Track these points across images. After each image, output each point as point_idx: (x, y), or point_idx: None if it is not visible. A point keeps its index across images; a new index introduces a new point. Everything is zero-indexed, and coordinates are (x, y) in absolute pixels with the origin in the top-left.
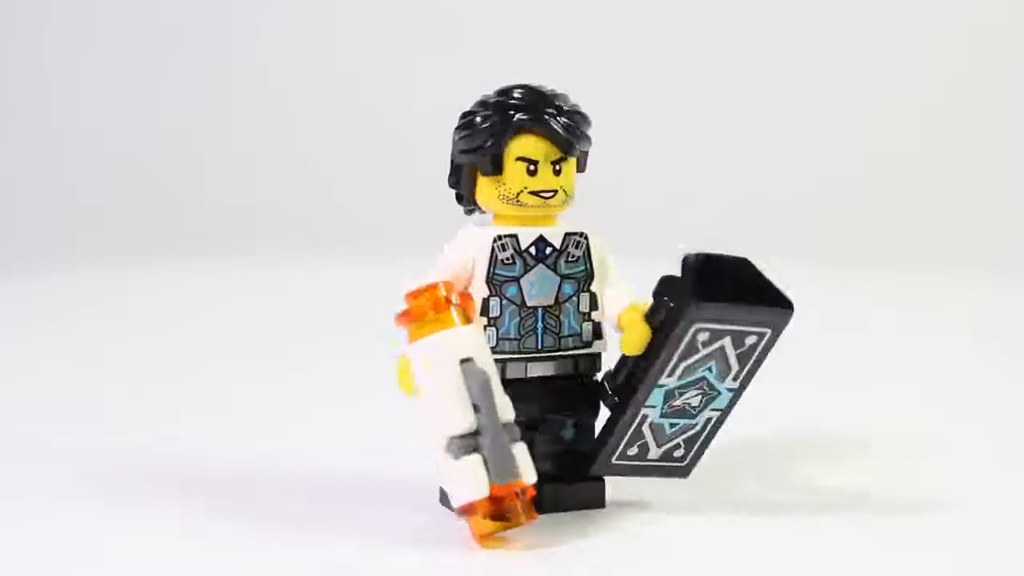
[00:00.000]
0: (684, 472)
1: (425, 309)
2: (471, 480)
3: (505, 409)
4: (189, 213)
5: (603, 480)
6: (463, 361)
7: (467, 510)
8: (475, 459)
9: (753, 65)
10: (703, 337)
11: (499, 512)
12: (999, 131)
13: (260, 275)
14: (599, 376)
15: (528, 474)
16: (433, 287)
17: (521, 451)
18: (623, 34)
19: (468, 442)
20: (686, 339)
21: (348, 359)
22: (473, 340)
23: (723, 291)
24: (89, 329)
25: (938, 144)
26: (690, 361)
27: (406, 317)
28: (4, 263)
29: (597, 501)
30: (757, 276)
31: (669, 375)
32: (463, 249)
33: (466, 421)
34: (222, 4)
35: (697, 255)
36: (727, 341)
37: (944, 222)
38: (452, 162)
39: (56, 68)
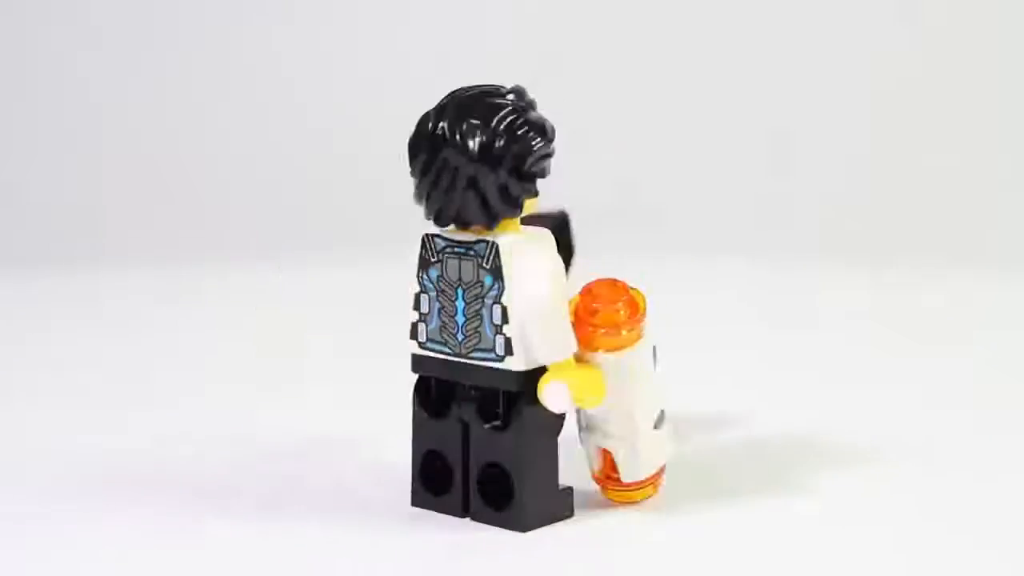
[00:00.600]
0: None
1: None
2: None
3: None
4: (188, 214)
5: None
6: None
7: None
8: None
9: (751, 65)
10: None
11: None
12: (1002, 127)
13: (259, 277)
14: None
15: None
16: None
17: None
18: (621, 35)
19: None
20: None
21: (348, 359)
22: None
23: None
24: (86, 330)
25: (939, 141)
26: None
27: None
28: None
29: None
30: None
31: None
32: None
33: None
34: (218, 5)
35: None
36: None
37: (942, 221)
38: None
39: (51, 67)
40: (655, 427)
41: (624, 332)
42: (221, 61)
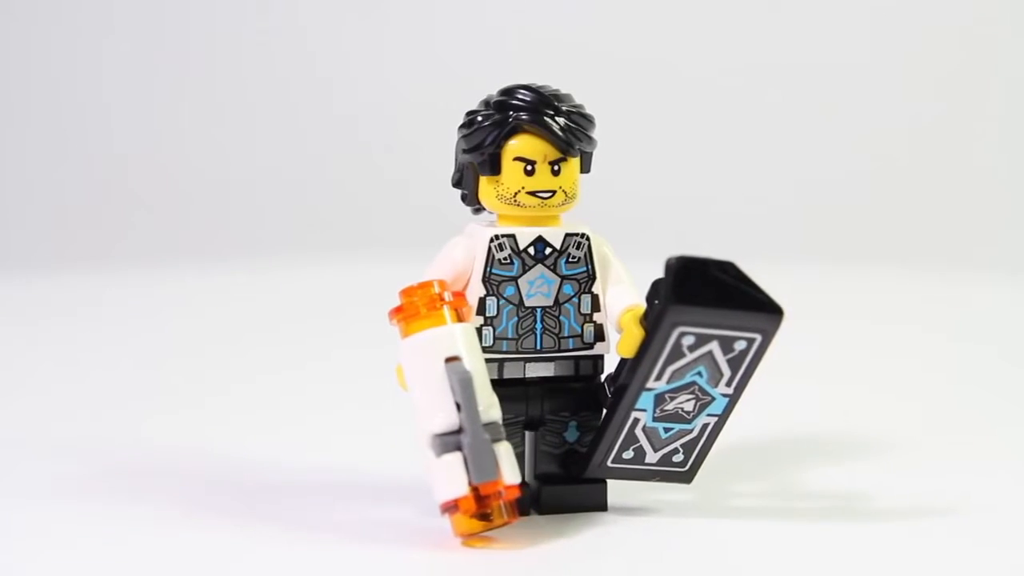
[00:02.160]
0: (686, 478)
1: (417, 306)
2: (451, 478)
3: (490, 408)
4: (190, 215)
5: (605, 483)
6: (448, 359)
7: (449, 508)
8: (455, 457)
9: (750, 65)
10: (688, 341)
11: (481, 511)
12: (993, 128)
13: (260, 276)
14: (603, 377)
15: (510, 474)
16: (427, 285)
17: (505, 451)
18: (623, 36)
19: (450, 440)
20: (669, 343)
21: (349, 359)
22: (462, 339)
23: (706, 295)
24: (90, 330)
25: (932, 143)
26: (677, 365)
27: (398, 313)
28: (4, 263)
29: (598, 504)
30: (744, 280)
31: (656, 379)
32: (462, 248)
33: (448, 419)
34: (219, 5)
35: (679, 258)
36: (715, 346)
37: (938, 221)
38: (456, 161)
39: (52, 68)
40: (431, 448)
41: (392, 319)
42: (217, 64)
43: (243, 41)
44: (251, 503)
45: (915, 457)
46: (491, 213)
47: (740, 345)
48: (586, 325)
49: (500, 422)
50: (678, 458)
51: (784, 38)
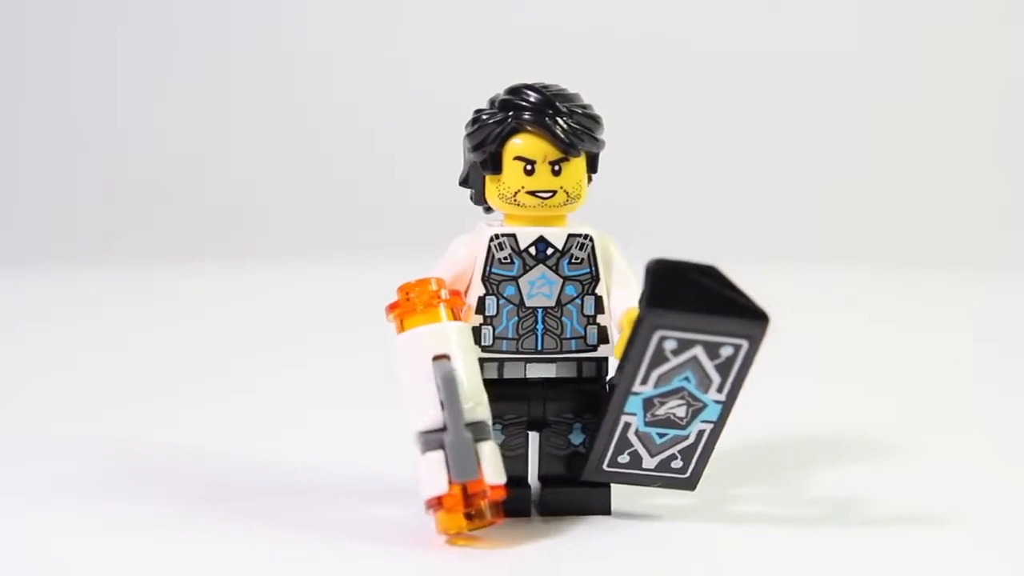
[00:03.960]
0: (689, 484)
1: (414, 303)
2: (433, 475)
3: (477, 407)
4: (191, 214)
5: (608, 486)
6: (436, 357)
7: (432, 505)
8: (438, 455)
9: (751, 64)
10: (670, 345)
11: (468, 510)
12: (995, 128)
13: (261, 276)
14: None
15: (493, 474)
16: (425, 282)
17: (489, 450)
18: (623, 34)
19: (433, 438)
20: (650, 347)
21: (349, 359)
22: (455, 337)
23: (685, 299)
24: (90, 329)
25: (933, 141)
26: (662, 370)
27: (394, 309)
28: (4, 262)
29: (601, 508)
30: (727, 284)
31: (642, 383)
32: (466, 246)
33: (433, 417)
34: (222, 4)
35: (657, 261)
36: (699, 351)
37: (940, 221)
38: (464, 160)
39: (53, 67)
40: (415, 445)
41: (388, 315)
42: (219, 63)
43: (248, 39)
44: (251, 503)
45: (917, 458)
46: (501, 212)
47: (727, 351)
48: (589, 327)
49: (488, 422)
50: (677, 464)
51: (782, 38)
